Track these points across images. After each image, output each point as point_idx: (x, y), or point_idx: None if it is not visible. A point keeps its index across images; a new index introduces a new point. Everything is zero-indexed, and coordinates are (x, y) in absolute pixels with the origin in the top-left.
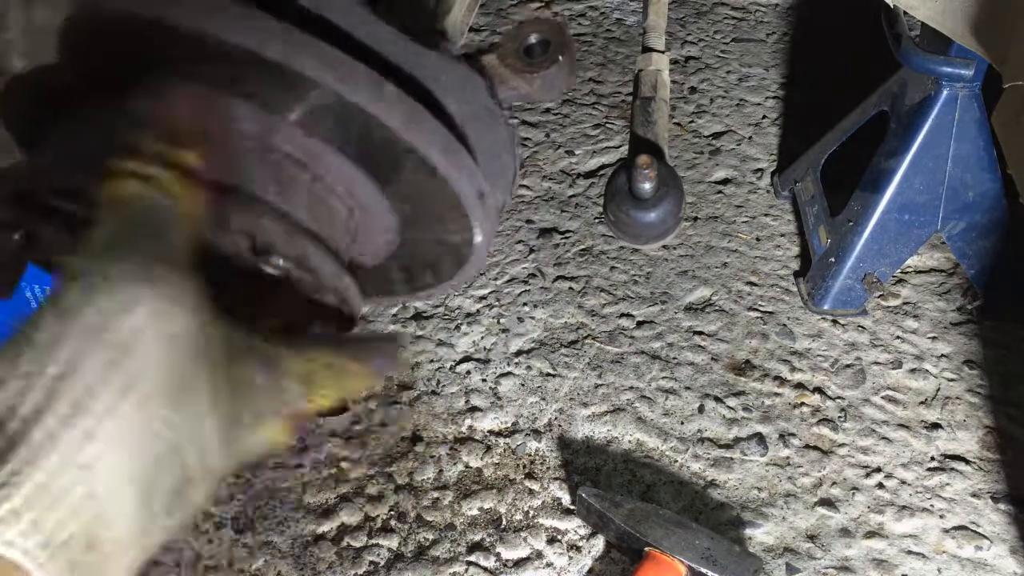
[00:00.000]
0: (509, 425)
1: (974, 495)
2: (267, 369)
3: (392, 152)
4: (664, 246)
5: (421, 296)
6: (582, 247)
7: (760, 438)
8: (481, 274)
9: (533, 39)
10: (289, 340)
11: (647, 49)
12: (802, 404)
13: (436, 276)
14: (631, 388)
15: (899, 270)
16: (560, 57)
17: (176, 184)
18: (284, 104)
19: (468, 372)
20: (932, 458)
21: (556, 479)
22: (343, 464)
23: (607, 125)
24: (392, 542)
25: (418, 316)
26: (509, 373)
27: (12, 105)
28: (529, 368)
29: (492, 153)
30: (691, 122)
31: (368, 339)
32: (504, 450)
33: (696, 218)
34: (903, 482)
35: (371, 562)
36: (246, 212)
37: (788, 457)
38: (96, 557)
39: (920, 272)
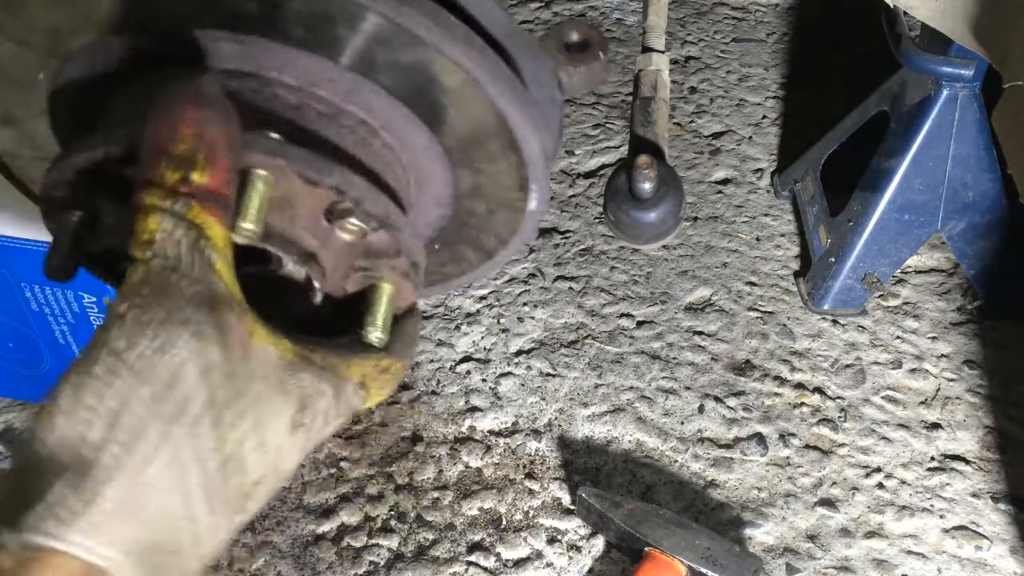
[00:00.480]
0: (509, 425)
1: (974, 495)
2: (329, 379)
3: (476, 120)
4: (664, 246)
5: (455, 284)
6: (582, 247)
7: (760, 438)
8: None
9: (574, 37)
10: (330, 346)
11: (647, 49)
12: (802, 404)
13: (477, 255)
14: (631, 388)
15: (899, 270)
16: (600, 54)
17: (198, 211)
18: (368, 65)
19: (468, 372)
20: (932, 458)
21: (556, 479)
22: (343, 464)
23: (607, 125)
24: (392, 542)
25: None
26: (509, 373)
27: (64, 96)
28: (529, 368)
29: (538, 110)
30: (691, 122)
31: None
32: (504, 450)
33: (696, 218)
34: (903, 482)
35: (371, 562)
36: (338, 167)
37: (788, 457)
38: (173, 559)
39: (920, 272)
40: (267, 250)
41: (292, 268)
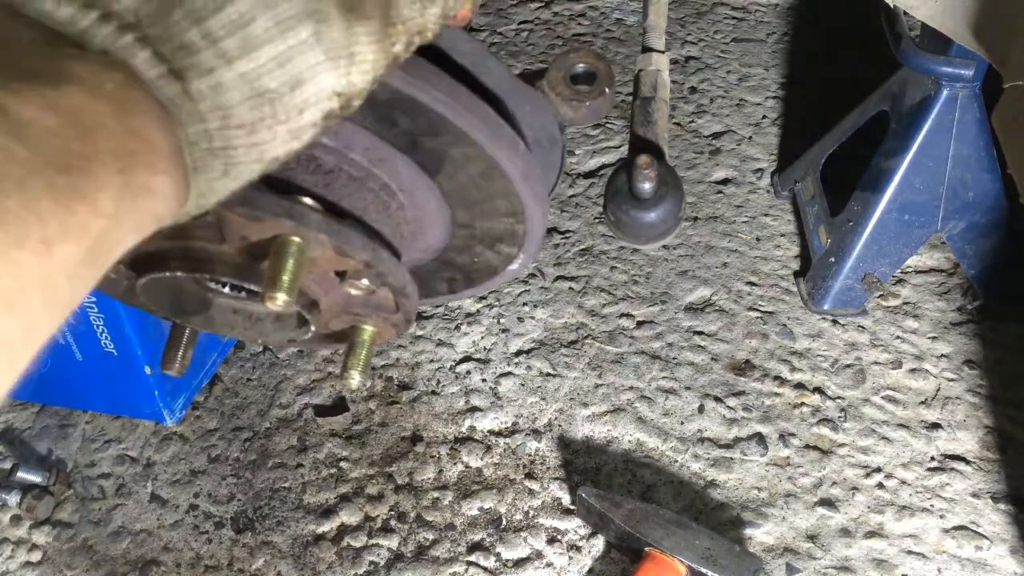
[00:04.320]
0: (509, 425)
1: (974, 495)
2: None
3: (493, 201)
4: (664, 246)
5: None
6: (582, 247)
7: (760, 438)
8: None
9: (580, 68)
10: None
11: (647, 49)
12: (802, 404)
13: (443, 287)
14: (631, 388)
15: (899, 270)
16: (607, 90)
17: None
18: (407, 145)
19: (468, 372)
20: (932, 458)
21: (556, 479)
22: (343, 464)
23: (607, 125)
24: (392, 542)
25: (418, 316)
26: (509, 373)
27: None
28: (529, 368)
29: (546, 187)
30: (691, 122)
31: None
32: (504, 450)
33: (696, 218)
34: (903, 482)
35: (371, 562)
36: (370, 243)
37: (788, 457)
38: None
39: (920, 272)
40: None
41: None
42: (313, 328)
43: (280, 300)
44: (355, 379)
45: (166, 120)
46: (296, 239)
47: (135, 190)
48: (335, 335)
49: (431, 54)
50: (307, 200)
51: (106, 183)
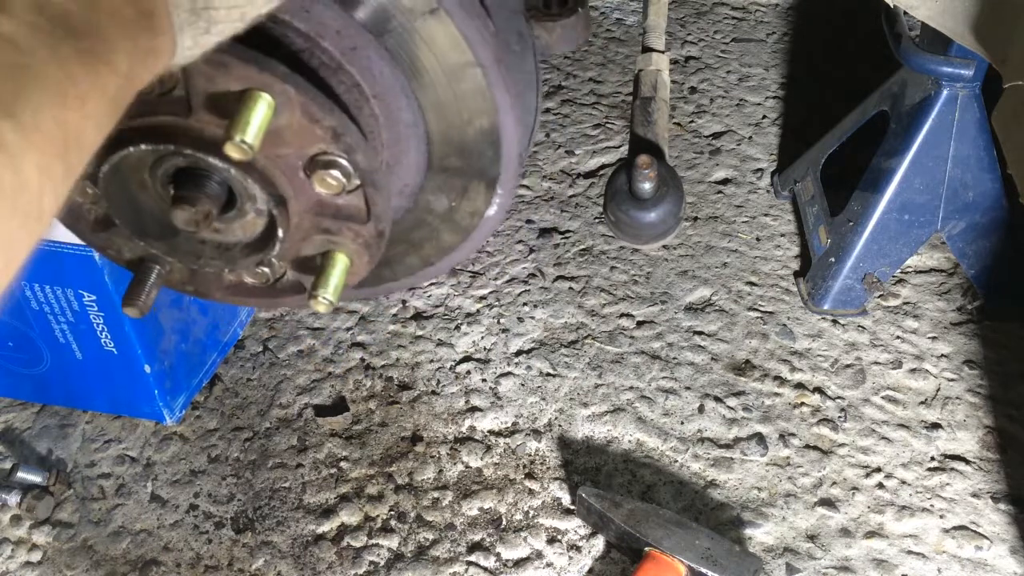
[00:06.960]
0: (509, 425)
1: (974, 495)
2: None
3: (464, 107)
4: (664, 246)
5: (386, 289)
6: (582, 247)
7: (760, 438)
8: (481, 274)
9: None
10: None
11: (647, 49)
12: (802, 404)
13: (422, 258)
14: (631, 388)
15: (899, 270)
16: (579, 8)
17: None
18: (378, 26)
19: (468, 372)
20: (932, 458)
21: (556, 479)
22: (343, 464)
23: (607, 125)
24: (392, 542)
25: (418, 316)
26: (509, 373)
27: None
28: (529, 368)
29: (520, 92)
30: (691, 122)
31: None
32: (504, 450)
33: (696, 218)
34: (903, 482)
35: (371, 562)
36: (338, 110)
37: (788, 457)
38: None
39: (920, 272)
40: (235, 190)
41: (254, 216)
42: (281, 235)
43: (241, 141)
44: (323, 301)
45: None
46: (265, 95)
47: (142, 52)
48: (307, 264)
49: None
50: (279, 63)
51: (119, 47)
